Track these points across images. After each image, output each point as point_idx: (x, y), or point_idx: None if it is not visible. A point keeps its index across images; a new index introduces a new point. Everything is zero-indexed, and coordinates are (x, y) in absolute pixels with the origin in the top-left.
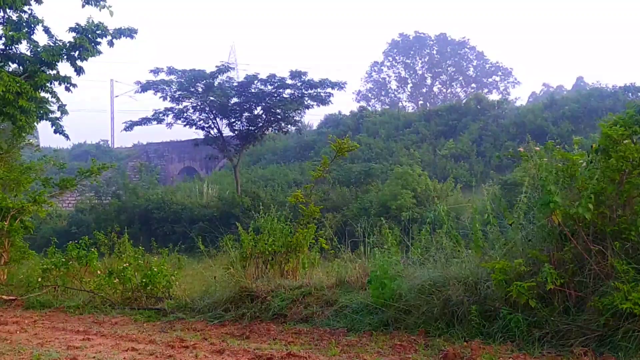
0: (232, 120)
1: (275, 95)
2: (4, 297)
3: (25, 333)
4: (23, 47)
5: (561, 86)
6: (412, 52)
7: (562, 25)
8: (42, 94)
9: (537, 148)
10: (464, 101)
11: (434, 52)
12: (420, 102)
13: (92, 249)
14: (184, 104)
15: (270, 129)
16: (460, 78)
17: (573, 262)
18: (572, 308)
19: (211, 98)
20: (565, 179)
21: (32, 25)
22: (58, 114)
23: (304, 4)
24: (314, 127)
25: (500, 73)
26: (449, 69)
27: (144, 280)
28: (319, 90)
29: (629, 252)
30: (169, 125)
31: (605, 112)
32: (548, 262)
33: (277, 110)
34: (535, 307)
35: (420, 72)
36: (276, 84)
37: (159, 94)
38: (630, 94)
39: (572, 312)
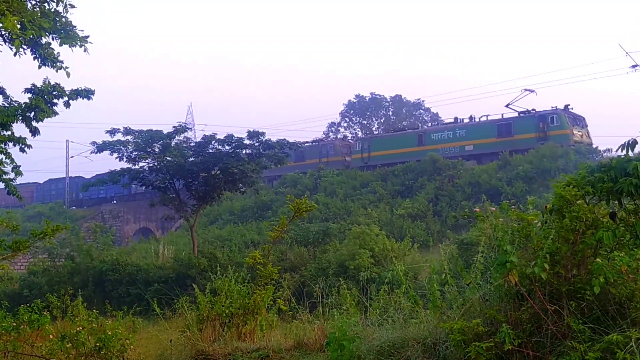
0: (189, 180)
1: (233, 155)
2: None
3: None
4: None
5: None
6: (368, 113)
7: (514, 87)
8: None
9: (493, 208)
10: (420, 161)
11: (390, 113)
12: None
13: (45, 313)
14: (141, 164)
15: (227, 189)
16: None
17: (530, 322)
18: None
19: (168, 158)
20: (521, 239)
21: None
22: (12, 175)
23: (260, 64)
24: (272, 187)
25: None
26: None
27: (97, 344)
28: (276, 150)
29: (584, 312)
30: (126, 186)
31: (557, 172)
32: (506, 322)
33: (235, 171)
34: None
35: (376, 133)
36: (234, 144)
37: (115, 155)
38: (580, 155)
39: None
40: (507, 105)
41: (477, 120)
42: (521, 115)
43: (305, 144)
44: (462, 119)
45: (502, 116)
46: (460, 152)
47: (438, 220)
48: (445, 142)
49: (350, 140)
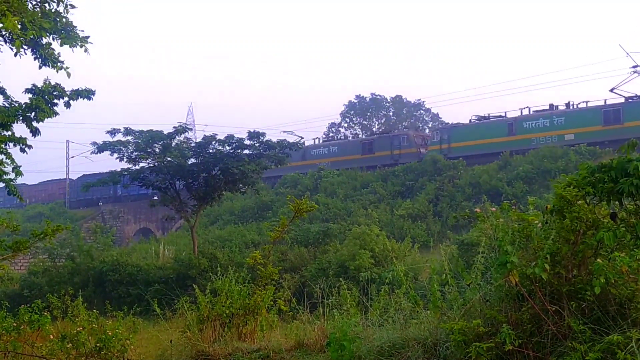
0: (190, 180)
1: (233, 155)
2: None
3: None
4: None
5: None
6: (369, 114)
7: (515, 87)
8: None
9: (493, 208)
10: (420, 161)
11: (390, 113)
12: None
13: (45, 313)
14: (141, 164)
15: (227, 189)
16: None
17: (531, 323)
18: None
19: (168, 159)
20: (521, 239)
21: None
22: (12, 176)
23: (261, 64)
24: (272, 187)
25: None
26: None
27: (98, 344)
28: (277, 151)
29: (585, 312)
30: (126, 186)
31: (557, 173)
32: (506, 322)
33: (235, 171)
34: None
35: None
36: (234, 145)
37: (116, 155)
38: (581, 155)
39: None
40: (611, 90)
41: (576, 106)
42: (630, 100)
43: (374, 135)
44: (557, 106)
45: (605, 102)
46: (558, 141)
47: (438, 220)
48: (541, 131)
49: (424, 131)
